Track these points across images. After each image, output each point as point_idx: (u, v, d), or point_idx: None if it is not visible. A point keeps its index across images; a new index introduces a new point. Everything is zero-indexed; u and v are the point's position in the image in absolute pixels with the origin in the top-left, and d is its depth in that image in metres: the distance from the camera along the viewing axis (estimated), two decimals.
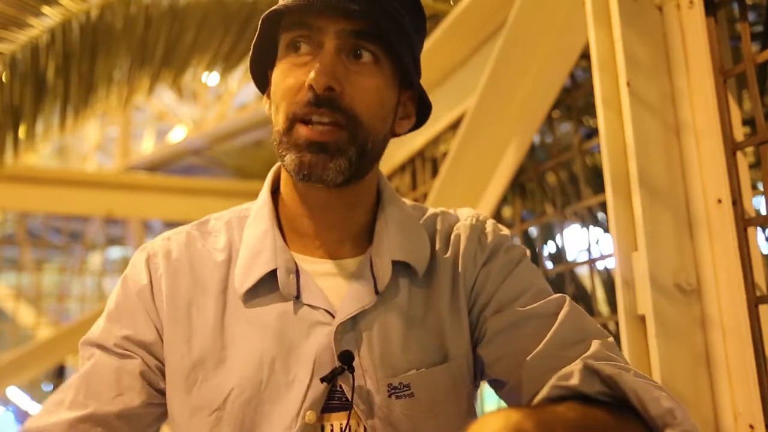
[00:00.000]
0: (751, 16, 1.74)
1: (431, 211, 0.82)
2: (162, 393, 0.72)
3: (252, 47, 0.74)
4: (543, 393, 0.60)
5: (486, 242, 0.78)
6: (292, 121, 0.68)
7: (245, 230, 0.76)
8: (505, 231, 0.81)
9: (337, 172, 0.67)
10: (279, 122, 0.69)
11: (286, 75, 0.69)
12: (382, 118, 0.71)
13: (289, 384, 0.68)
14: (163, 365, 0.72)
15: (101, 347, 0.72)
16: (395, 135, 0.78)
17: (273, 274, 0.72)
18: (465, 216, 0.81)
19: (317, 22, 0.67)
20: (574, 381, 0.59)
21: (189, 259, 0.75)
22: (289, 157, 0.67)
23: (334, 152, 0.67)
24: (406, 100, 0.76)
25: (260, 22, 0.70)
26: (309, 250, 0.75)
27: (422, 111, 0.78)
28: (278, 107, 0.70)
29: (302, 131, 0.67)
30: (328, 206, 0.74)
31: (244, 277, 0.72)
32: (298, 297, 0.71)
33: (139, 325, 0.72)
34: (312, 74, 0.65)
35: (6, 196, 3.84)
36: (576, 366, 0.61)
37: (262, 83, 0.77)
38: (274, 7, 0.68)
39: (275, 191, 0.79)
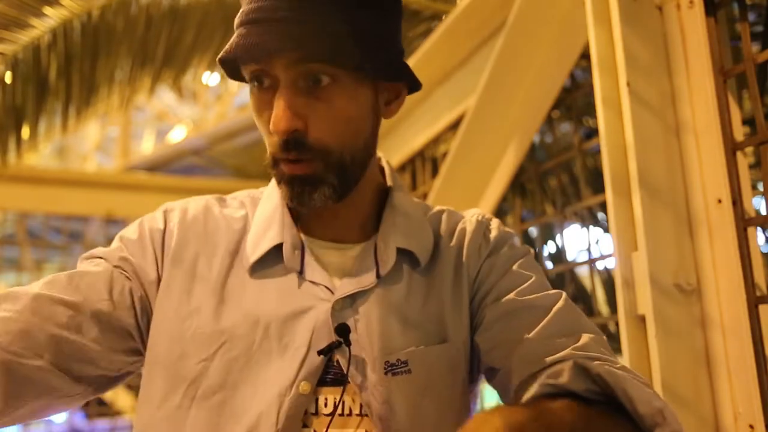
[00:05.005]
0: (751, 16, 1.74)
1: (438, 208, 0.85)
2: (138, 329, 0.73)
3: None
4: (534, 391, 0.60)
5: (490, 236, 0.80)
6: (275, 159, 0.71)
7: (258, 208, 0.80)
8: (510, 230, 0.84)
9: (324, 199, 0.70)
10: (267, 155, 0.72)
11: (258, 110, 0.71)
12: (354, 132, 0.71)
13: (280, 351, 0.69)
14: (150, 308, 0.73)
15: (104, 259, 0.74)
16: (387, 118, 0.78)
17: (280, 248, 0.74)
18: (471, 214, 0.84)
19: (264, 58, 0.67)
20: (564, 379, 0.59)
21: (204, 218, 0.78)
22: (282, 189, 0.71)
23: (314, 182, 0.69)
24: (388, 83, 0.75)
25: (218, 63, 0.71)
26: (315, 232, 0.77)
27: (411, 80, 0.76)
28: (264, 138, 0.72)
29: (283, 168, 0.70)
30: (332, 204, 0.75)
31: (252, 249, 0.75)
32: (301, 272, 0.73)
33: (144, 260, 0.74)
34: (272, 123, 0.67)
35: (6, 196, 3.84)
36: (566, 364, 0.62)
37: (238, 76, 0.78)
38: (221, 54, 0.68)
39: None
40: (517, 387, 0.68)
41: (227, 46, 0.68)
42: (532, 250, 0.82)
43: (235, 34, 0.68)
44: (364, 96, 0.71)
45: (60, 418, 4.70)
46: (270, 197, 0.79)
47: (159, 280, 0.74)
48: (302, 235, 0.77)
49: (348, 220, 0.77)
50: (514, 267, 0.77)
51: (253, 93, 0.70)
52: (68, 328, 0.67)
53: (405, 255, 0.76)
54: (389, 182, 0.81)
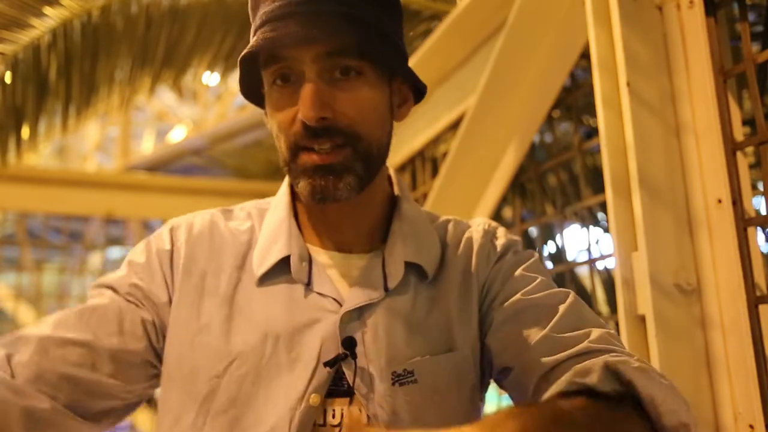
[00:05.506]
0: (751, 16, 1.74)
1: (444, 218, 0.86)
2: (156, 354, 0.73)
3: (239, 82, 0.76)
4: (559, 387, 0.59)
5: (498, 243, 0.82)
6: (295, 150, 0.70)
7: (265, 219, 0.80)
8: (516, 237, 0.85)
9: (349, 190, 0.70)
10: (282, 150, 0.72)
11: (278, 108, 0.71)
12: (379, 123, 0.73)
13: (290, 365, 0.70)
14: (165, 329, 0.74)
15: (113, 290, 0.74)
16: (398, 120, 0.79)
17: (287, 260, 0.74)
18: (477, 223, 0.85)
19: (292, 53, 0.68)
20: (593, 380, 0.58)
21: (210, 234, 0.79)
22: (302, 184, 0.70)
23: (341, 171, 0.69)
24: (399, 85, 0.77)
25: (238, 63, 0.72)
26: (323, 243, 0.78)
27: (417, 87, 0.79)
28: (278, 137, 0.72)
29: (306, 158, 0.69)
30: (342, 208, 0.76)
31: (260, 262, 0.75)
32: (308, 284, 0.74)
33: (154, 283, 0.75)
34: (301, 111, 0.67)
35: (6, 196, 3.83)
36: (595, 363, 0.61)
37: (259, 100, 0.79)
38: (246, 50, 0.69)
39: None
40: (537, 382, 0.69)
41: (253, 42, 0.69)
42: (537, 255, 0.83)
43: (260, 31, 0.69)
44: (383, 91, 0.73)
45: None
46: (277, 208, 0.79)
47: (170, 301, 0.74)
48: (309, 246, 0.77)
49: (356, 228, 0.78)
50: (520, 270, 0.78)
51: (274, 91, 0.71)
52: (82, 367, 0.68)
53: (412, 267, 0.77)
54: (396, 191, 0.82)
